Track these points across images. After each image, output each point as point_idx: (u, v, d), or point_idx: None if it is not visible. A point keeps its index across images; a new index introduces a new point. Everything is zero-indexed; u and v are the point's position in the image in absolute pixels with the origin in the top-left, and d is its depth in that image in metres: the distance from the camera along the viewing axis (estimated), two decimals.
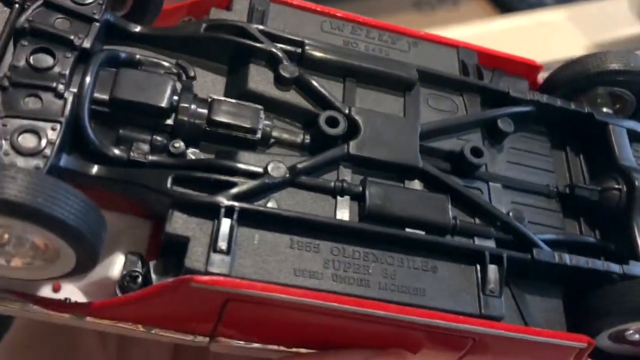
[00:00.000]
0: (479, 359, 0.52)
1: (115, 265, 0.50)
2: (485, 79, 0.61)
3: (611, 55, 0.61)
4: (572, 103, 0.60)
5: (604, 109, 0.63)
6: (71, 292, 0.50)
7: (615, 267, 0.53)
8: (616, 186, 0.57)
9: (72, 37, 0.48)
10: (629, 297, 0.50)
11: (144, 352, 0.60)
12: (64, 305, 0.48)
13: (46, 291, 0.50)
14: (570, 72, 0.62)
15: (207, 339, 0.50)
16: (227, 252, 0.45)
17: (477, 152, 0.54)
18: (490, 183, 0.56)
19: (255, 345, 0.51)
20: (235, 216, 0.46)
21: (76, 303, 0.48)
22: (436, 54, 0.60)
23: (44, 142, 0.44)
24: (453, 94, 0.58)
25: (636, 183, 0.56)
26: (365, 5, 1.06)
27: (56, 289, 0.50)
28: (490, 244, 0.52)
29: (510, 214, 0.54)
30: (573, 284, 0.54)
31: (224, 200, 0.46)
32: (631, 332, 0.53)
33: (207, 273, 0.44)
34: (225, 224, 0.46)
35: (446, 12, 1.22)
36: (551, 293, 0.53)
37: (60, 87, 0.46)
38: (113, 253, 0.50)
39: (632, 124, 0.61)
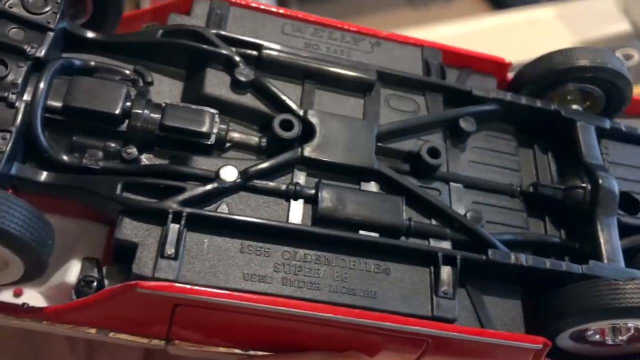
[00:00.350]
0: (435, 357, 0.52)
1: (73, 270, 0.51)
2: (452, 78, 0.61)
3: (578, 52, 0.60)
4: (538, 101, 0.60)
5: (574, 106, 0.62)
6: (31, 296, 0.51)
7: (575, 268, 0.52)
8: (581, 185, 0.56)
9: (25, 46, 0.49)
10: (587, 297, 0.50)
11: (113, 355, 0.61)
12: (21, 310, 0.49)
13: (7, 296, 0.51)
14: (538, 68, 0.61)
15: (163, 342, 0.50)
16: (175, 257, 0.46)
17: (434, 152, 0.54)
18: (451, 183, 0.55)
19: (212, 348, 0.51)
20: (183, 221, 0.46)
21: (32, 308, 0.49)
22: (399, 54, 0.60)
23: None
24: (415, 94, 0.58)
25: (600, 182, 0.55)
26: (358, 3, 1.06)
27: (17, 294, 0.51)
28: (446, 245, 0.51)
29: (468, 214, 0.53)
30: (533, 284, 0.53)
31: (172, 206, 0.47)
32: (591, 332, 0.52)
33: (154, 279, 0.45)
34: (173, 229, 0.46)
35: (439, 9, 1.21)
36: (510, 294, 0.53)
37: (12, 96, 0.47)
38: (71, 258, 0.51)
39: (601, 121, 0.60)
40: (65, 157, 0.48)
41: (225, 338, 0.51)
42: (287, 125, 0.52)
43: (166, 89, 0.54)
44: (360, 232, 0.50)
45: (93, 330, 0.49)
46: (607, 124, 0.60)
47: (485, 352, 0.51)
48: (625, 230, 0.57)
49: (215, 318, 0.47)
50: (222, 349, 0.51)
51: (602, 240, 0.54)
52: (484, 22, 1.13)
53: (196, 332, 0.50)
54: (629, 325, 0.51)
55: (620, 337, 0.52)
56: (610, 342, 0.53)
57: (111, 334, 0.50)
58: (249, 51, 0.55)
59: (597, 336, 0.53)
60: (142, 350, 0.63)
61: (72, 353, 0.58)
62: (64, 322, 0.48)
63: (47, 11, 0.51)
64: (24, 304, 0.50)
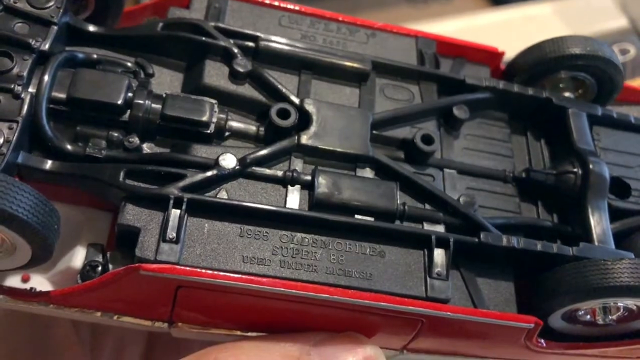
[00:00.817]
0: (432, 340, 0.54)
1: (79, 255, 0.53)
2: (446, 68, 0.63)
3: (568, 40, 0.61)
4: (530, 89, 0.61)
5: (567, 94, 0.63)
6: (39, 282, 0.53)
7: (565, 250, 0.53)
8: (572, 169, 0.58)
9: (30, 40, 0.51)
10: (576, 277, 0.51)
11: (118, 339, 0.63)
12: (29, 295, 0.50)
13: (16, 281, 0.53)
14: (530, 57, 0.62)
15: (166, 324, 0.52)
16: (176, 241, 0.47)
17: (427, 139, 0.56)
18: (445, 169, 0.57)
19: (214, 330, 0.53)
20: (184, 207, 0.48)
21: (39, 292, 0.50)
22: (394, 44, 0.62)
23: (0, 141, 0.47)
24: (409, 84, 0.60)
25: (591, 166, 0.57)
26: None
27: (25, 280, 0.53)
28: (440, 228, 0.53)
29: (461, 199, 0.55)
30: (526, 266, 0.54)
31: (173, 192, 0.48)
32: (582, 312, 0.54)
33: (156, 262, 0.46)
34: (175, 214, 0.48)
35: (438, 5, 1.23)
36: (503, 276, 0.54)
37: (18, 88, 0.49)
38: (76, 244, 0.53)
39: (592, 108, 0.62)
40: (69, 146, 0.50)
41: (226, 320, 0.52)
42: (284, 114, 0.54)
43: (167, 80, 0.56)
44: (356, 216, 0.52)
45: (98, 314, 0.51)
46: (599, 111, 0.62)
47: (479, 332, 0.53)
48: (616, 214, 0.58)
49: (216, 300, 0.49)
50: (223, 331, 0.52)
51: (592, 223, 0.56)
52: (482, 19, 1.15)
53: (198, 313, 0.51)
54: (619, 304, 0.52)
55: (610, 317, 0.53)
56: (601, 322, 0.54)
57: (115, 317, 0.51)
58: (246, 43, 0.56)
59: (588, 316, 0.54)
60: (145, 333, 0.65)
61: (78, 336, 0.60)
62: (70, 305, 0.50)
63: (50, 6, 0.52)
64: (31, 288, 0.52)
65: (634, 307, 0.53)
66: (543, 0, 1.18)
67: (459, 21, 1.11)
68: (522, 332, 0.52)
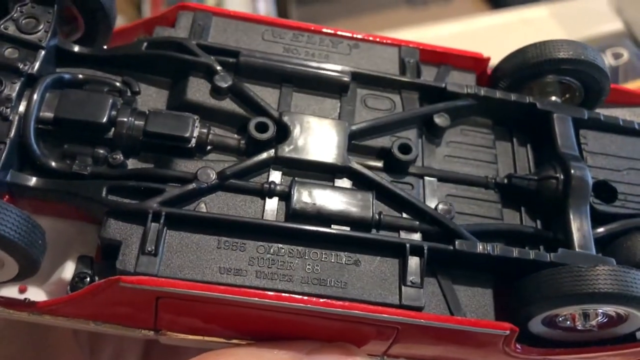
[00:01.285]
0: (410, 346, 0.55)
1: (69, 267, 0.55)
2: (431, 75, 0.63)
3: (551, 44, 0.61)
4: (513, 94, 0.61)
5: (554, 98, 0.63)
6: (35, 292, 0.56)
7: (543, 256, 0.54)
8: (554, 175, 0.58)
9: (19, 64, 0.53)
10: (551, 284, 0.51)
11: (117, 343, 0.66)
12: (23, 305, 0.53)
13: (13, 292, 0.56)
14: (513, 62, 0.62)
15: (152, 332, 0.54)
16: (155, 253, 0.50)
17: (405, 148, 0.57)
18: (425, 177, 0.58)
19: (199, 337, 0.55)
20: (162, 220, 0.50)
21: (32, 302, 0.53)
22: (377, 54, 0.62)
23: None
24: (391, 93, 0.61)
25: (572, 172, 0.57)
26: (357, 3, 1.08)
27: (22, 290, 0.56)
28: (416, 237, 0.54)
29: (439, 207, 0.56)
30: (505, 273, 0.55)
31: (152, 206, 0.50)
32: (562, 318, 0.54)
33: (136, 274, 0.49)
34: (154, 228, 0.50)
35: (438, 8, 1.23)
36: (481, 283, 0.55)
37: (6, 110, 0.51)
38: (68, 256, 0.56)
39: (578, 112, 0.61)
40: (56, 164, 0.53)
41: (208, 328, 0.54)
42: (262, 128, 0.55)
43: (153, 96, 0.58)
44: (333, 226, 0.53)
45: (89, 322, 0.54)
46: (585, 114, 0.61)
47: (455, 339, 0.53)
48: (602, 218, 0.58)
49: (196, 309, 0.51)
50: (209, 339, 0.54)
51: (573, 229, 0.56)
52: (479, 22, 1.15)
53: (181, 322, 0.53)
54: (599, 310, 0.52)
55: (590, 323, 0.54)
56: (580, 327, 0.54)
57: (104, 326, 0.54)
58: (228, 59, 0.58)
59: (569, 322, 0.54)
60: (142, 340, 0.67)
61: (77, 341, 0.63)
62: (61, 314, 0.53)
63: (39, 30, 0.55)
64: (25, 299, 0.54)
65: (613, 314, 0.53)
66: (541, 4, 1.18)
67: (456, 25, 1.12)
68: (498, 338, 0.53)
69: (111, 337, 0.65)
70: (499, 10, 1.21)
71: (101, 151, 0.54)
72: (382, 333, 0.52)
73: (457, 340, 0.54)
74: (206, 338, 0.55)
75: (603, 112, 0.64)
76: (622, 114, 0.67)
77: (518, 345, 0.54)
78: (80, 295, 0.50)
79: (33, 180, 0.52)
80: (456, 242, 0.53)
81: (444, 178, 0.58)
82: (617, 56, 1.02)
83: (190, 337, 0.55)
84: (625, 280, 0.50)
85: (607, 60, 1.01)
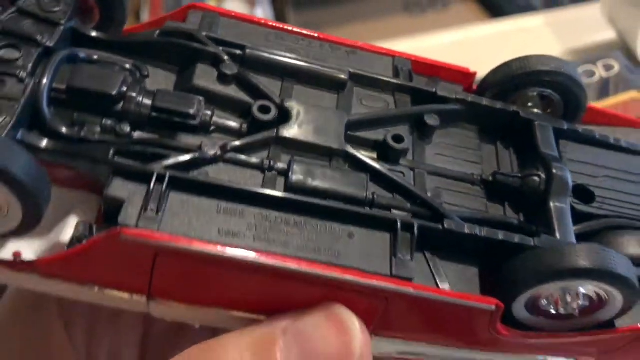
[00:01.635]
0: (398, 323, 0.56)
1: (68, 233, 0.56)
2: (420, 85, 0.67)
3: (534, 59, 0.66)
4: (499, 102, 0.66)
5: (535, 111, 0.67)
6: (29, 257, 0.56)
7: (528, 240, 0.56)
8: (537, 172, 0.61)
9: (37, 36, 0.57)
10: (534, 262, 0.54)
11: (113, 346, 0.65)
12: (16, 264, 0.54)
13: (7, 256, 0.56)
14: (499, 74, 0.67)
15: (144, 298, 0.55)
16: (157, 212, 0.51)
17: (398, 138, 0.60)
18: (416, 170, 0.61)
19: (194, 307, 0.55)
20: (166, 182, 0.52)
21: (24, 261, 0.54)
22: (372, 62, 0.67)
23: (4, 116, 0.52)
24: (385, 94, 0.65)
25: (554, 171, 0.60)
26: (355, 10, 1.11)
27: (17, 256, 0.56)
28: (408, 216, 0.56)
29: (429, 193, 0.58)
30: (490, 257, 0.57)
31: (157, 168, 0.53)
32: (545, 302, 0.56)
33: (137, 227, 0.50)
34: (157, 189, 0.52)
35: (436, 15, 1.26)
36: (468, 264, 0.57)
37: (22, 74, 0.54)
38: (67, 223, 0.57)
39: (558, 123, 0.66)
40: (65, 129, 0.55)
41: (204, 295, 0.55)
42: (264, 110, 0.59)
43: (160, 81, 0.61)
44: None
45: (81, 288, 0.54)
46: (565, 125, 0.66)
47: (442, 313, 0.55)
48: (580, 217, 0.62)
49: (193, 271, 0.52)
50: (207, 309, 0.55)
51: (555, 222, 0.59)
52: (475, 31, 1.19)
53: (175, 287, 0.54)
54: (579, 290, 0.55)
55: (572, 306, 0.56)
56: (562, 311, 0.56)
57: (96, 289, 0.54)
58: (235, 51, 0.62)
59: (552, 307, 0.56)
60: (139, 341, 0.67)
61: (72, 344, 0.62)
62: (54, 274, 0.53)
63: (58, 10, 0.59)
64: (16, 257, 0.55)
65: (594, 295, 0.55)
66: (537, 12, 1.21)
67: (453, 34, 1.16)
68: (484, 315, 0.54)
69: (107, 339, 0.65)
70: (496, 20, 1.25)
71: (109, 122, 0.56)
72: (371, 304, 0.54)
73: (443, 315, 0.55)
74: (199, 310, 0.56)
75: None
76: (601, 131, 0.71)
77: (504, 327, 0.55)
78: (79, 250, 0.51)
79: (43, 141, 0.54)
80: (445, 222, 0.55)
81: (433, 172, 0.61)
82: (608, 68, 1.06)
83: (183, 306, 0.55)
84: (606, 257, 0.53)
85: (598, 72, 1.05)
